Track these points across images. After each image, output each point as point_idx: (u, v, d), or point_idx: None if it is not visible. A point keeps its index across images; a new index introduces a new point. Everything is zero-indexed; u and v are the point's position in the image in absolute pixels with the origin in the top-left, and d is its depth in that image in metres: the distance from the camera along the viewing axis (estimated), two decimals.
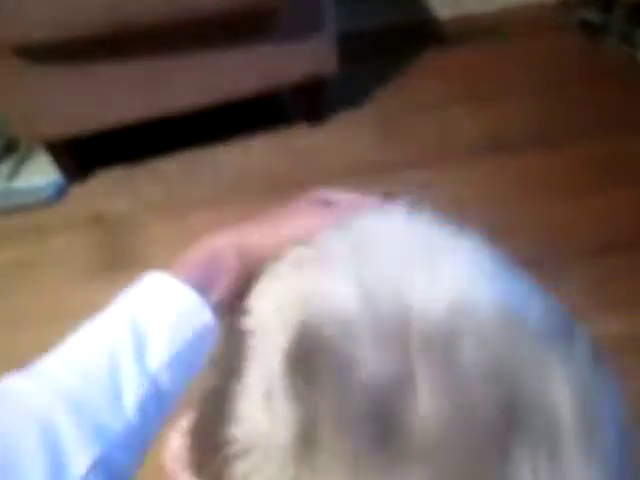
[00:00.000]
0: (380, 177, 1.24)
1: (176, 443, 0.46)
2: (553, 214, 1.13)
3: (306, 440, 0.31)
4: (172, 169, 1.40)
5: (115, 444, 0.32)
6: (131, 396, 0.34)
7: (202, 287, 0.39)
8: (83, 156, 1.44)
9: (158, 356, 0.36)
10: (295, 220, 0.43)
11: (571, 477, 0.29)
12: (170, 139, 1.48)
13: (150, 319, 0.37)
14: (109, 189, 1.38)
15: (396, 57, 1.73)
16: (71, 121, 1.30)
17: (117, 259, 1.21)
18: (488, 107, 1.55)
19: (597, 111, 1.51)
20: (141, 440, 0.35)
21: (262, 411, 0.34)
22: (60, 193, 1.39)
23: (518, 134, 1.46)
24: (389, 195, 0.49)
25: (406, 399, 0.29)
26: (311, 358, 0.32)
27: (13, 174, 1.45)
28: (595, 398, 0.31)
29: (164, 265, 0.40)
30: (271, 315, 0.37)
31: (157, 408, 0.36)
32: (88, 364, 0.34)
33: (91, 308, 0.38)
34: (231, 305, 0.41)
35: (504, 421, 0.29)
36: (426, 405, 0.29)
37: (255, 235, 0.42)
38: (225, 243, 0.42)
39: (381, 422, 0.29)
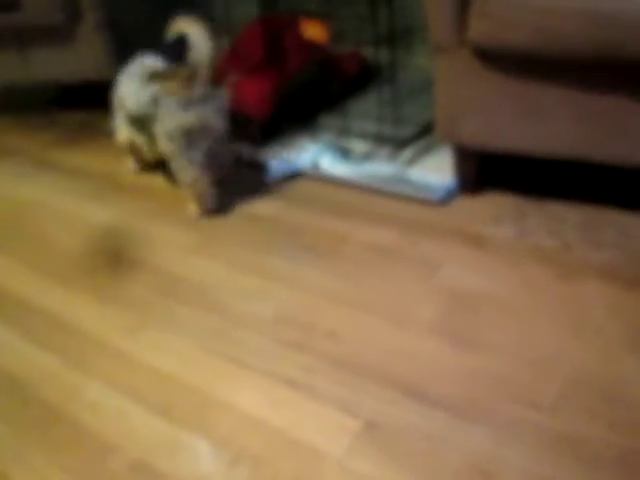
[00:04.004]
0: None
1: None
2: None
3: None
4: (569, 217, 1.24)
5: None
6: None
7: None
8: (484, 170, 1.40)
9: None
10: None
11: None
12: (575, 184, 1.35)
13: None
14: (494, 212, 1.30)
15: None
16: (495, 137, 1.23)
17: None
18: None
19: None
20: None
21: None
22: (447, 199, 1.36)
23: None
24: None
25: None
26: None
27: (412, 161, 1.50)
28: None
29: None
30: None
31: None
32: None
33: None
34: None
35: None
36: None
37: None
38: None
39: None
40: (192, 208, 1.45)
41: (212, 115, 1.34)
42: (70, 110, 2.31)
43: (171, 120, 1.32)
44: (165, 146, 1.37)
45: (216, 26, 2.21)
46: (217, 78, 1.55)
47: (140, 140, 1.50)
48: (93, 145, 1.93)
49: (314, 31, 1.79)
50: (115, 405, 0.95)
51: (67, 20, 1.91)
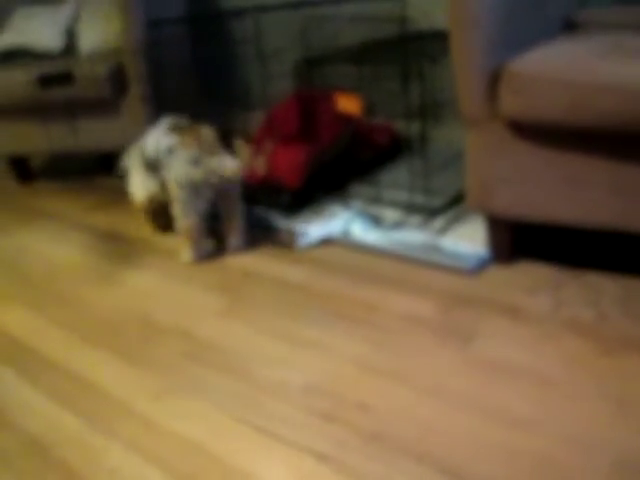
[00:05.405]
0: None
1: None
2: None
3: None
4: (607, 289, 1.22)
5: None
6: None
7: None
8: (518, 238, 1.40)
9: None
10: None
11: None
12: (612, 254, 1.35)
13: None
14: (529, 283, 1.28)
15: None
16: (528, 208, 1.23)
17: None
18: None
19: None
20: None
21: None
22: (480, 269, 1.34)
23: None
24: None
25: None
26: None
27: (444, 230, 1.50)
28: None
29: None
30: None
31: None
32: None
33: None
34: None
35: None
36: None
37: None
38: None
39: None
40: (185, 254, 1.59)
41: (216, 173, 1.49)
42: (109, 175, 2.40)
43: (181, 171, 1.48)
44: (173, 191, 1.52)
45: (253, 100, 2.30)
46: (253, 148, 1.60)
47: (155, 187, 1.65)
48: (128, 209, 1.98)
49: (347, 104, 1.85)
50: (136, 472, 0.92)
51: (114, 93, 2.03)
